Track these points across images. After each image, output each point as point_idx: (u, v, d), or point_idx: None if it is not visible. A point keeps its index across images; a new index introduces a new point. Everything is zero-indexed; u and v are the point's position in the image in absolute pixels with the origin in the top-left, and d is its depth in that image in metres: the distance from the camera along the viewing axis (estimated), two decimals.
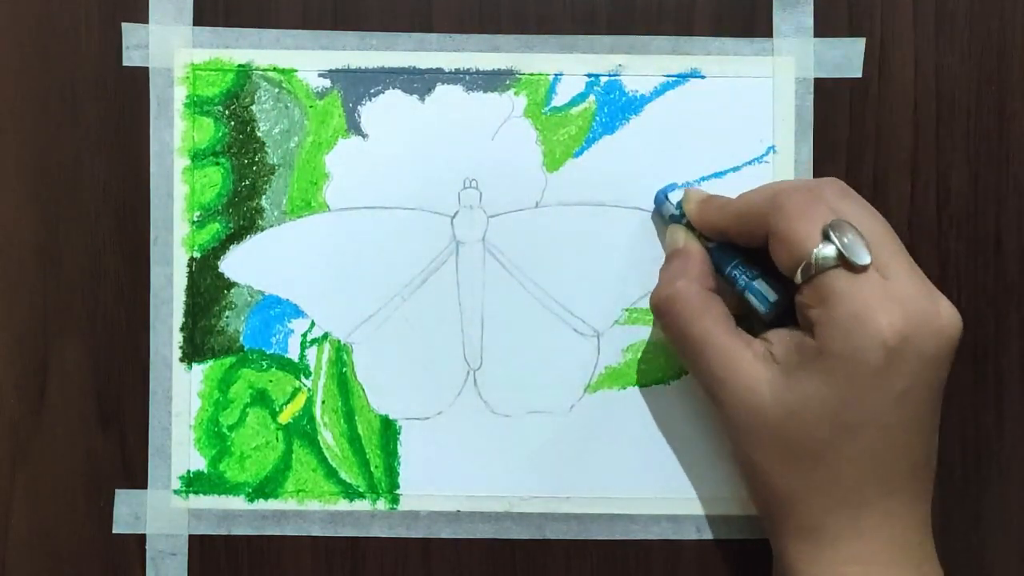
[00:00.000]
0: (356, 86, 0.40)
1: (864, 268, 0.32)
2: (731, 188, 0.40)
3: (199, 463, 0.40)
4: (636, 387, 0.40)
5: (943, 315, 0.33)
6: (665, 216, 0.39)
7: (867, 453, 0.33)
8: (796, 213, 0.33)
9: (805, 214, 0.33)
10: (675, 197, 0.39)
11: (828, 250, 0.32)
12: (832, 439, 0.33)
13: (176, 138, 0.40)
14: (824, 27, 0.40)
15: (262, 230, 0.40)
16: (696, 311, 0.35)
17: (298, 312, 0.40)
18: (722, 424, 0.36)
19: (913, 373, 0.32)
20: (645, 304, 0.40)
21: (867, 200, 0.41)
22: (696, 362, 0.36)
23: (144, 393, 0.40)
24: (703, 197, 0.38)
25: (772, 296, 0.35)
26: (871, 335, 0.31)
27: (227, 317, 0.40)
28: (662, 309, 0.36)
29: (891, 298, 0.32)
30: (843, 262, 0.32)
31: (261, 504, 0.40)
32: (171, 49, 0.40)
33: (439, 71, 0.41)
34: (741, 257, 0.37)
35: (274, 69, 0.41)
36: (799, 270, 0.33)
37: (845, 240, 0.32)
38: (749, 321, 0.37)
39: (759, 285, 0.36)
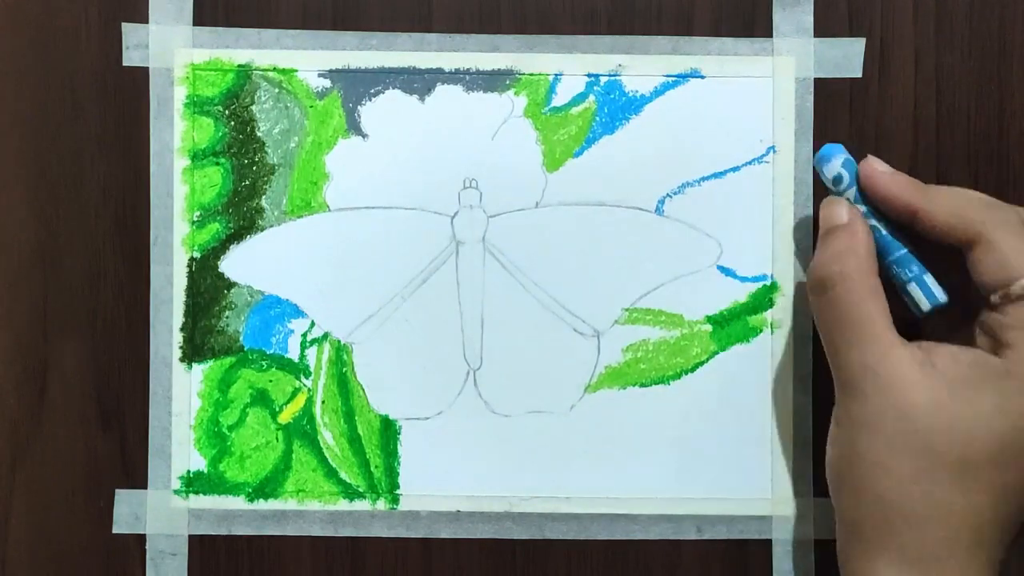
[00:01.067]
0: (356, 86, 0.41)
1: None
2: (731, 188, 0.40)
3: (199, 463, 0.40)
4: (636, 387, 0.40)
5: None
6: (827, 180, 0.37)
7: (1010, 489, 0.31)
8: (1012, 231, 0.32)
9: (1022, 235, 0.32)
10: (845, 161, 0.36)
11: None
12: (985, 465, 0.31)
13: (176, 138, 0.40)
14: (824, 27, 0.40)
15: (262, 230, 0.40)
16: (864, 294, 0.33)
17: (298, 312, 0.40)
18: (843, 418, 0.34)
19: None
20: (645, 304, 0.40)
21: None
22: (850, 348, 0.33)
23: (144, 393, 0.40)
24: (891, 169, 0.36)
25: (942, 297, 0.34)
26: None
27: (227, 317, 0.40)
28: (826, 284, 0.34)
29: None
30: None
31: (261, 504, 0.40)
32: (171, 49, 0.40)
33: (439, 71, 0.41)
34: (910, 247, 0.35)
35: (274, 69, 0.41)
36: (1006, 288, 0.32)
37: None
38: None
39: (929, 280, 0.34)
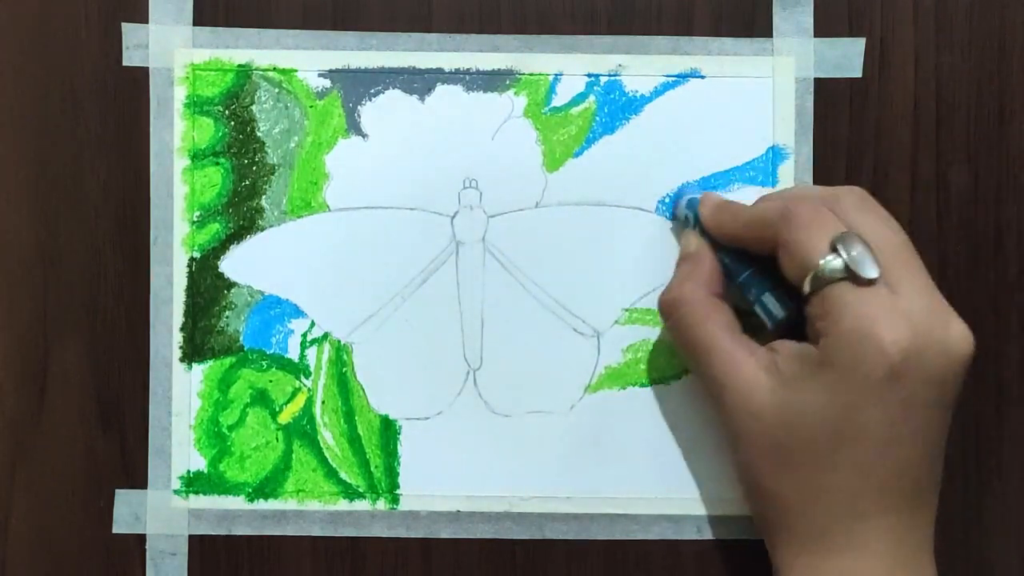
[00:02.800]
0: (356, 86, 0.41)
1: (871, 282, 0.32)
2: (731, 188, 0.40)
3: (199, 463, 0.40)
4: (636, 387, 0.40)
5: (953, 334, 0.32)
6: (680, 219, 0.39)
7: (864, 466, 0.32)
8: (805, 223, 0.33)
9: (814, 224, 0.33)
10: (688, 202, 0.39)
11: (835, 262, 0.32)
12: (829, 449, 0.33)
13: (176, 138, 0.40)
14: (824, 27, 0.40)
15: (262, 230, 0.40)
16: (701, 315, 0.36)
17: (298, 312, 0.40)
18: (723, 429, 0.36)
19: (915, 391, 0.32)
20: (645, 304, 0.40)
21: None
22: (700, 366, 0.36)
23: (144, 393, 0.40)
24: (718, 202, 0.38)
25: (780, 313, 0.35)
26: (874, 349, 0.31)
27: (227, 317, 0.40)
28: (668, 311, 0.37)
29: (898, 313, 0.32)
30: (850, 275, 0.32)
31: (261, 504, 0.40)
32: (171, 49, 0.40)
33: (439, 71, 0.41)
34: (755, 267, 0.36)
35: (274, 69, 0.41)
36: (807, 280, 0.33)
37: (853, 253, 0.32)
38: (762, 328, 0.37)
39: (767, 299, 0.35)
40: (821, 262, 0.32)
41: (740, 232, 0.36)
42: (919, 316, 0.32)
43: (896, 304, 0.32)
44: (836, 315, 0.32)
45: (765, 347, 0.35)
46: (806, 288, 0.33)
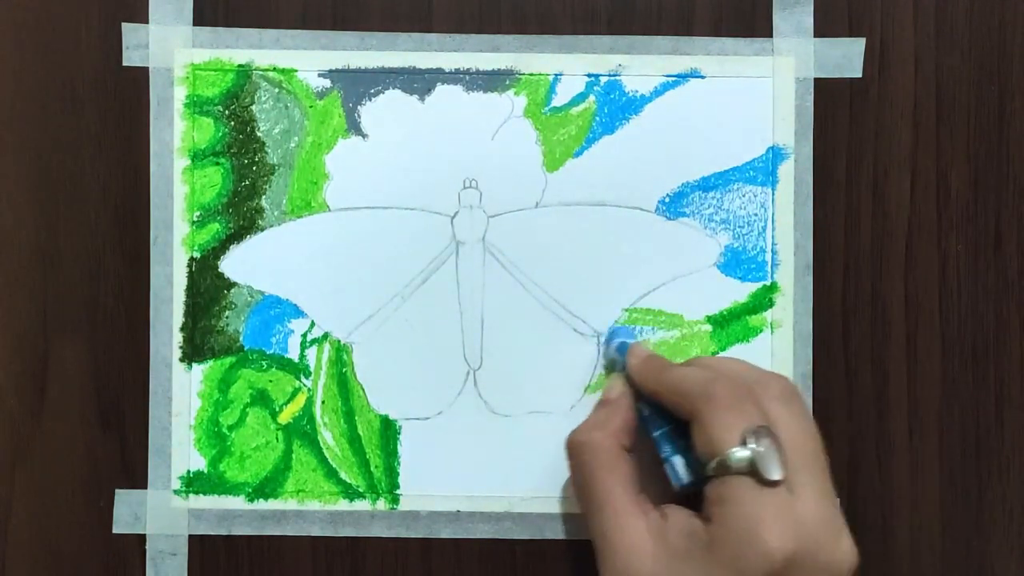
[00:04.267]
0: (356, 86, 0.41)
1: (773, 483, 0.31)
2: (731, 188, 0.40)
3: (199, 463, 0.40)
4: None
5: (840, 549, 0.32)
6: (607, 359, 0.39)
7: None
8: (724, 406, 0.33)
9: (732, 409, 0.33)
10: (619, 345, 0.39)
11: (742, 455, 0.32)
12: None
13: (176, 138, 0.40)
14: (824, 27, 0.40)
15: (262, 230, 0.40)
16: (603, 466, 0.35)
17: (298, 312, 0.40)
18: None
19: None
20: (645, 304, 0.40)
21: (867, 203, 0.41)
22: (591, 515, 0.35)
23: (144, 393, 0.40)
24: (645, 355, 0.37)
25: (685, 479, 0.35)
26: (758, 551, 0.31)
27: (227, 317, 0.40)
28: (572, 452, 0.36)
29: (791, 519, 0.31)
30: (752, 471, 0.31)
31: (261, 504, 0.40)
32: (171, 49, 0.40)
33: (439, 71, 0.41)
34: (672, 426, 0.35)
35: (274, 69, 0.41)
36: (711, 464, 0.32)
37: (760, 450, 0.31)
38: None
39: (676, 462, 0.35)
40: (728, 451, 0.32)
41: (661, 392, 0.35)
42: (811, 526, 0.31)
43: (791, 509, 0.31)
44: (731, 507, 0.31)
45: (658, 511, 0.34)
46: (709, 470, 0.32)
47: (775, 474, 0.31)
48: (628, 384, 0.37)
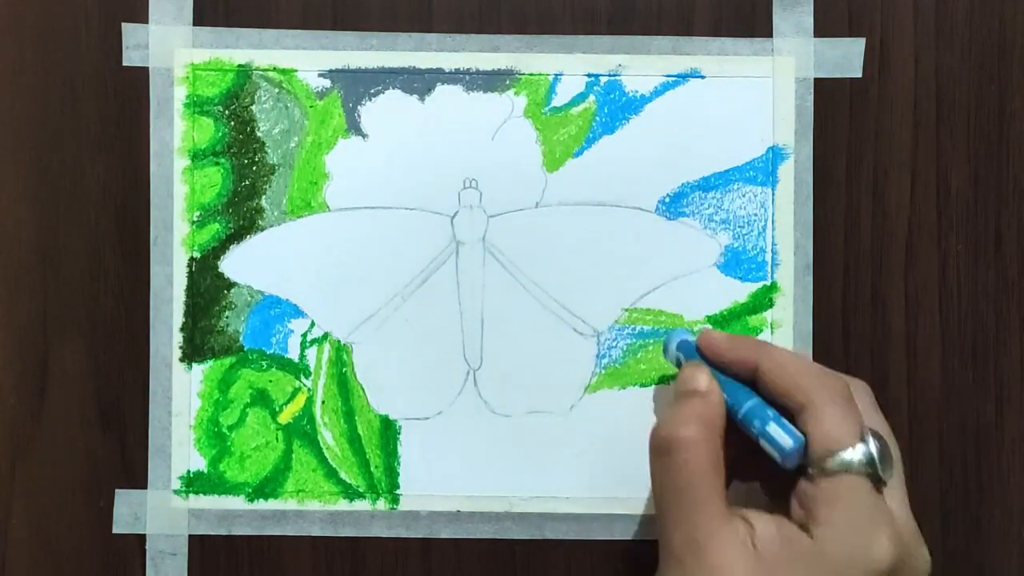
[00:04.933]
0: (356, 86, 0.41)
1: (885, 484, 0.31)
2: (731, 188, 0.40)
3: (199, 463, 0.40)
4: (636, 387, 0.40)
5: (923, 556, 0.32)
6: (672, 351, 0.37)
7: None
8: (839, 404, 0.32)
9: (848, 405, 0.32)
10: (681, 344, 0.37)
11: (862, 452, 0.31)
12: None
13: (176, 138, 0.40)
14: (824, 27, 0.40)
15: (262, 230, 0.40)
16: (705, 466, 0.32)
17: (298, 312, 0.40)
18: None
19: None
20: (645, 304, 0.40)
21: (867, 203, 0.41)
22: (679, 515, 0.32)
23: (144, 393, 0.40)
24: (726, 334, 0.36)
25: (791, 443, 0.32)
26: (874, 554, 0.30)
27: (227, 317, 0.40)
28: (668, 448, 0.33)
29: (894, 525, 0.31)
30: (871, 472, 0.31)
31: (261, 504, 0.40)
32: (171, 49, 0.40)
33: (439, 71, 0.41)
34: (758, 399, 0.34)
35: (274, 69, 0.41)
36: (828, 460, 0.31)
37: (876, 449, 0.31)
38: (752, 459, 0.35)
39: (778, 432, 0.32)
40: (847, 450, 0.31)
41: (768, 370, 0.33)
42: (906, 533, 0.31)
43: (894, 512, 0.31)
44: (844, 507, 0.31)
45: (741, 517, 0.32)
46: (818, 469, 0.31)
47: (891, 474, 0.31)
48: (711, 374, 0.35)
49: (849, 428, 0.31)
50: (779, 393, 0.33)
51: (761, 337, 0.40)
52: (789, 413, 0.33)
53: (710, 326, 0.39)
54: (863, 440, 0.31)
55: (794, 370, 0.33)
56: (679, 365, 0.37)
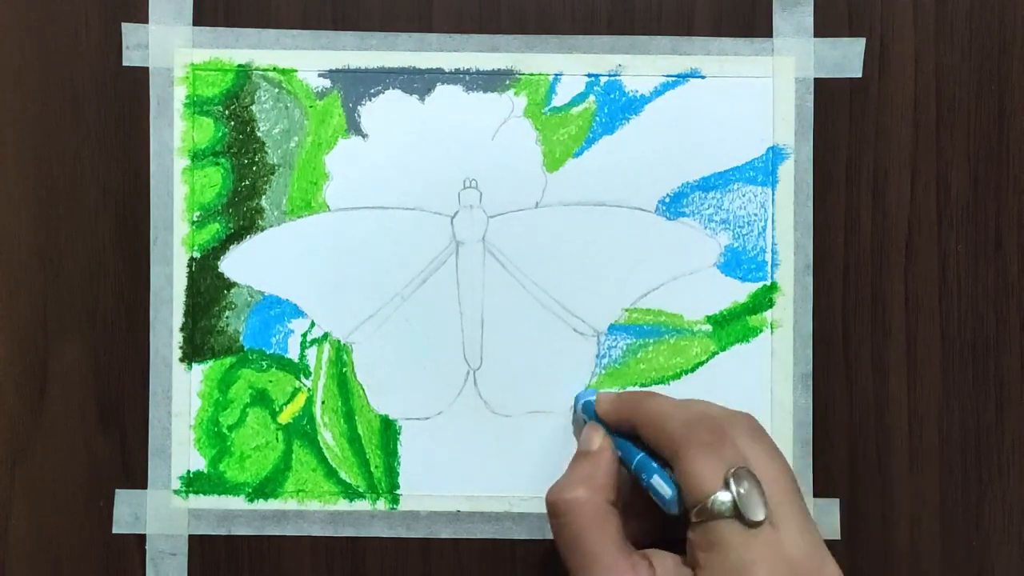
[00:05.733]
0: (356, 86, 0.41)
1: (758, 524, 0.31)
2: (731, 188, 0.40)
3: (199, 463, 0.40)
4: (636, 387, 0.40)
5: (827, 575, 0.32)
6: (577, 424, 0.39)
7: None
8: (703, 447, 0.33)
9: (712, 453, 0.33)
10: (584, 405, 0.39)
11: (725, 498, 0.31)
12: None
13: (176, 138, 0.40)
14: (824, 27, 0.40)
15: (262, 230, 0.40)
16: (590, 524, 0.34)
17: (298, 312, 0.40)
18: None
19: None
20: (645, 304, 0.40)
21: (867, 203, 0.41)
22: (578, 569, 0.34)
23: (144, 393, 0.40)
24: (615, 393, 0.38)
25: (669, 492, 0.34)
26: None
27: (227, 317, 0.40)
28: (558, 510, 0.35)
29: (778, 557, 0.31)
30: (737, 514, 0.31)
31: (261, 504, 0.40)
32: (171, 49, 0.40)
33: (439, 71, 0.41)
34: (648, 450, 0.35)
35: (274, 69, 0.41)
36: (695, 510, 0.32)
37: (742, 491, 0.31)
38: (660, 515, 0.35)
39: (660, 482, 0.34)
40: (712, 497, 0.32)
41: (640, 422, 0.35)
42: (798, 561, 0.31)
43: (778, 546, 0.31)
44: (719, 551, 0.31)
45: (646, 560, 0.34)
46: (692, 517, 0.32)
47: (759, 514, 0.31)
48: (605, 433, 0.37)
49: (712, 475, 0.32)
50: (652, 445, 0.35)
51: (761, 337, 0.40)
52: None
53: (604, 390, 0.40)
54: (727, 484, 0.32)
55: (662, 421, 0.34)
56: (583, 423, 0.39)
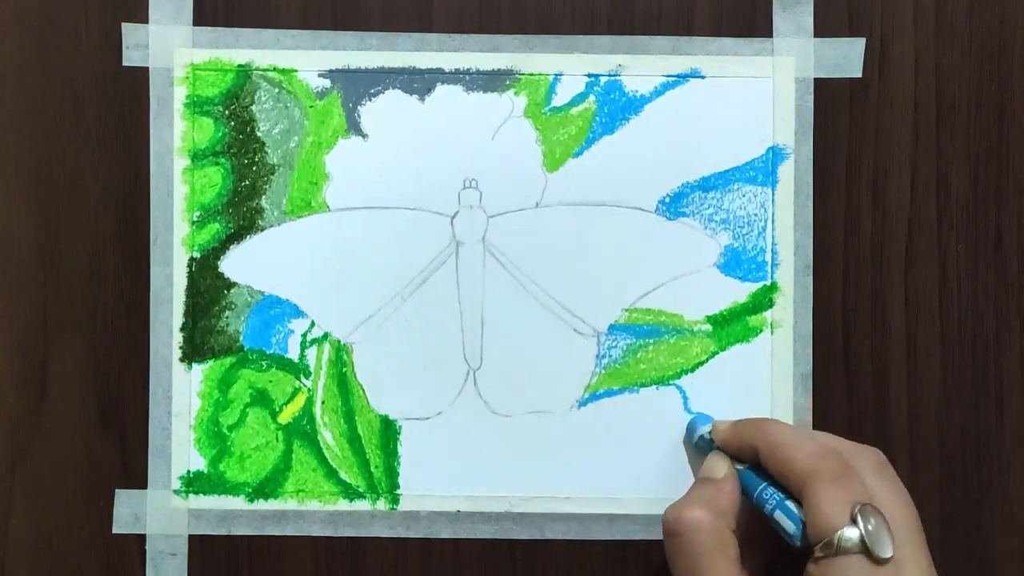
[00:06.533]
0: (356, 86, 0.41)
1: (885, 561, 0.31)
2: (731, 188, 0.40)
3: (199, 463, 0.40)
4: (636, 387, 0.40)
5: None
6: (695, 441, 0.39)
7: None
8: (831, 482, 0.32)
9: (839, 486, 0.32)
10: (700, 435, 0.39)
11: (853, 534, 0.31)
12: None
13: (176, 138, 0.40)
14: (824, 27, 0.40)
15: (262, 230, 0.40)
16: (711, 547, 0.34)
17: (298, 312, 0.40)
18: None
19: None
20: (645, 304, 0.40)
21: (867, 203, 0.41)
22: None
23: (144, 393, 0.40)
24: (733, 421, 0.38)
25: (792, 528, 0.33)
26: None
27: (227, 317, 0.40)
28: (678, 529, 0.34)
29: None
30: (865, 550, 0.31)
31: (261, 504, 0.40)
32: (171, 49, 0.40)
33: (439, 71, 0.41)
34: (771, 480, 0.35)
35: (274, 69, 0.41)
36: (820, 544, 0.32)
37: (870, 527, 0.31)
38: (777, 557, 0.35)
39: (787, 511, 0.34)
40: (839, 533, 0.31)
41: (766, 452, 0.35)
42: None
43: None
44: None
45: None
46: (818, 551, 0.32)
47: (887, 552, 0.31)
48: (731, 462, 0.36)
49: (839, 509, 0.32)
50: (778, 476, 0.34)
51: (761, 337, 0.40)
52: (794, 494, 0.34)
53: (717, 419, 0.39)
54: (854, 520, 0.31)
55: (789, 450, 0.34)
56: (700, 449, 0.39)
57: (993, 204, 0.41)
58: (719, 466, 0.36)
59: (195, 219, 0.40)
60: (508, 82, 0.41)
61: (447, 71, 0.41)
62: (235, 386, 0.40)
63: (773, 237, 0.40)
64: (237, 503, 0.40)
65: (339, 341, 0.40)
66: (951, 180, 0.41)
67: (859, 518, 0.31)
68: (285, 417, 0.41)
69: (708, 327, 0.40)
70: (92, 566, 0.40)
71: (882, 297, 0.41)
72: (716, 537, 0.34)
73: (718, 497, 0.35)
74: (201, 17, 0.41)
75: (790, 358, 0.40)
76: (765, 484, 0.35)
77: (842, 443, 0.35)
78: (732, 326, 0.40)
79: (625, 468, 0.40)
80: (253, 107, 0.41)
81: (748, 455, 0.36)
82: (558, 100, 0.41)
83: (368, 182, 0.40)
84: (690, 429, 0.40)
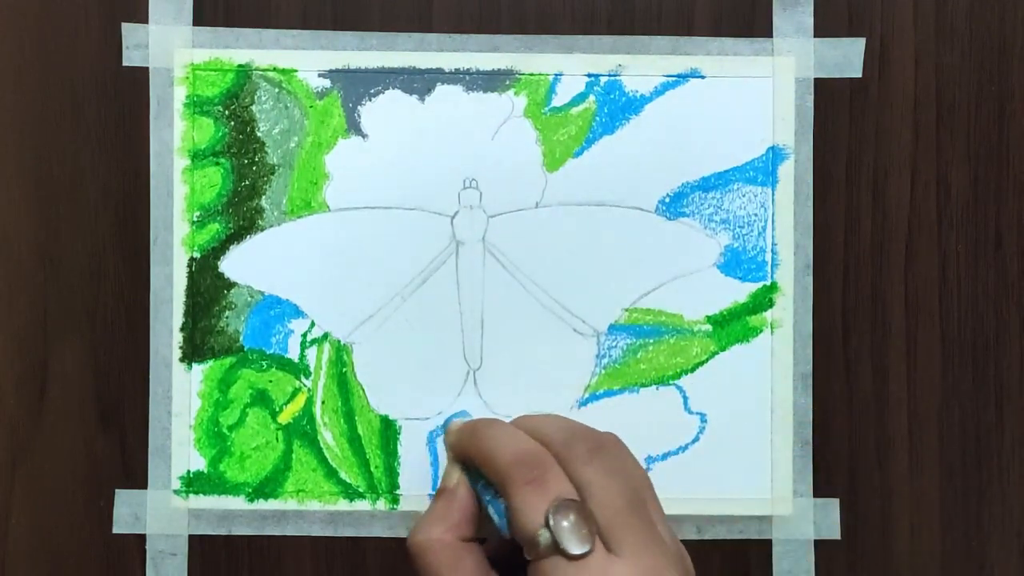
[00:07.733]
0: (356, 86, 0.41)
1: (579, 557, 0.31)
2: (731, 188, 0.40)
3: (199, 463, 0.40)
4: (636, 387, 0.40)
5: None
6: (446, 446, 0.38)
7: None
8: (524, 488, 0.32)
9: (532, 491, 0.32)
10: (440, 439, 0.38)
11: (547, 536, 0.31)
12: None
13: (176, 138, 0.40)
14: (824, 27, 0.40)
15: (262, 230, 0.40)
16: (447, 564, 0.33)
17: (298, 312, 0.40)
18: None
19: None
20: (645, 304, 0.40)
21: (867, 203, 0.41)
22: None
23: (144, 393, 0.40)
24: (459, 426, 0.36)
25: (504, 528, 0.33)
26: None
27: (227, 317, 0.40)
28: (414, 552, 0.34)
29: None
30: (559, 551, 0.31)
31: (261, 504, 0.40)
32: (171, 49, 0.40)
33: (439, 71, 0.41)
34: (485, 484, 0.34)
35: (274, 69, 0.41)
36: (525, 547, 0.31)
37: (565, 524, 0.31)
38: None
39: (499, 505, 0.33)
40: (536, 534, 0.31)
41: (475, 460, 0.34)
42: None
43: (611, 572, 0.31)
44: None
45: None
46: (526, 555, 0.32)
47: (578, 549, 0.31)
48: (461, 468, 0.36)
49: (534, 512, 0.31)
50: (490, 478, 0.34)
51: (761, 337, 0.40)
52: None
53: (465, 416, 0.38)
54: (546, 523, 0.31)
55: (491, 457, 0.33)
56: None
57: (993, 204, 0.41)
58: (451, 474, 0.36)
59: (195, 219, 0.40)
60: (508, 82, 0.41)
61: (447, 71, 0.41)
62: (235, 386, 0.40)
63: (773, 237, 0.40)
64: (237, 503, 0.40)
65: (339, 341, 0.40)
66: (951, 180, 0.41)
67: (550, 518, 0.31)
68: (285, 417, 0.41)
69: (708, 327, 0.40)
70: (92, 566, 0.40)
71: (882, 297, 0.41)
72: (450, 553, 0.34)
73: (450, 509, 0.35)
74: (201, 17, 0.41)
75: (790, 358, 0.40)
76: (482, 483, 0.34)
77: (559, 432, 0.34)
78: (732, 326, 0.40)
79: None
80: (253, 107, 0.41)
81: (470, 463, 0.35)
82: (558, 100, 0.41)
83: (368, 182, 0.40)
84: (445, 428, 0.38)
